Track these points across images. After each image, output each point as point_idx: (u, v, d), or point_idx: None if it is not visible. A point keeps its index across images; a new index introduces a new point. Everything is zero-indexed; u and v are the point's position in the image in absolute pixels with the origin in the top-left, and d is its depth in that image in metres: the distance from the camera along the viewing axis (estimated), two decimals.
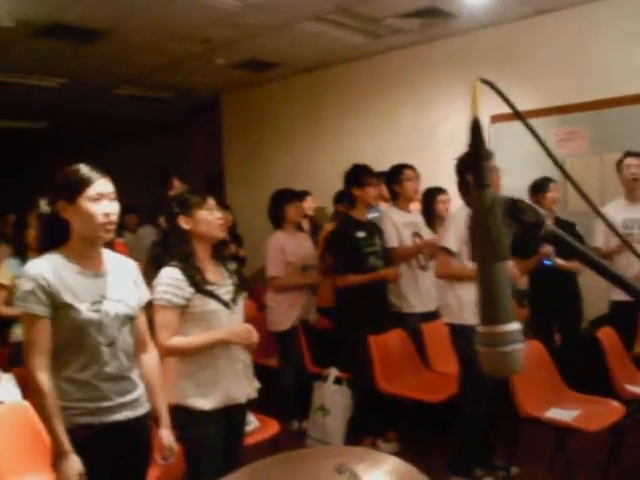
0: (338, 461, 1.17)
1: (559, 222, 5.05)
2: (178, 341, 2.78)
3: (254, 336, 2.87)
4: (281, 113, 8.41)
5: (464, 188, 3.98)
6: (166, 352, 2.78)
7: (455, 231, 3.88)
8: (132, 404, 2.44)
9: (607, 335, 4.39)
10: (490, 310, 0.92)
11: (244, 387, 2.92)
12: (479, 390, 3.80)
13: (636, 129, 5.66)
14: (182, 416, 2.73)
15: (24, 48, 6.47)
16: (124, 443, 2.40)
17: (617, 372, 4.19)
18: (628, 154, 4.98)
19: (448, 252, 3.91)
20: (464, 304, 3.91)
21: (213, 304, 2.80)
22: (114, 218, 2.36)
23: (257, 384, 3.05)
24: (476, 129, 0.91)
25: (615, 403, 3.87)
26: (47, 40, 6.23)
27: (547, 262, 5.01)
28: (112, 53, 6.78)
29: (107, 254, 2.49)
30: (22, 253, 4.62)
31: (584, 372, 4.20)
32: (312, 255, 5.28)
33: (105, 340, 2.34)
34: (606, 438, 3.81)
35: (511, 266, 4.39)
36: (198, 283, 2.78)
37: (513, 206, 0.91)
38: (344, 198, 5.85)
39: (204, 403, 2.79)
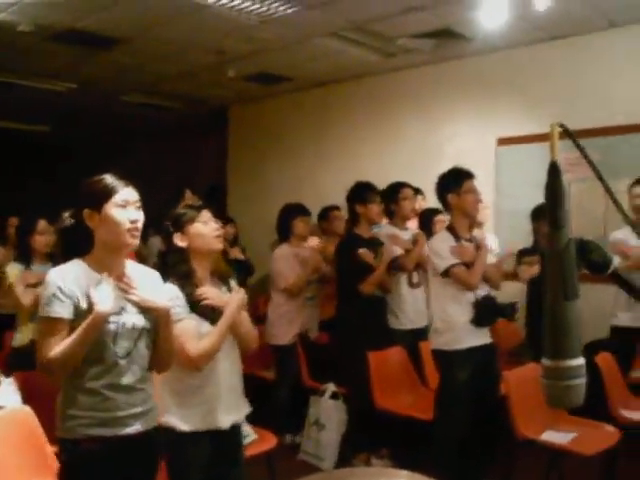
0: None
1: None
2: (202, 344, 2.68)
3: (242, 297, 2.83)
4: (288, 127, 8.43)
5: (444, 208, 4.09)
6: (199, 360, 2.68)
7: (442, 250, 3.97)
8: (144, 416, 2.42)
9: (605, 360, 4.44)
10: (559, 345, 0.97)
11: (229, 413, 2.81)
12: (452, 418, 3.89)
13: None
14: (164, 434, 2.64)
15: (40, 52, 6.50)
16: (133, 456, 2.39)
17: (613, 397, 4.25)
18: (638, 181, 5.01)
19: (455, 266, 3.94)
20: (450, 328, 3.96)
21: (206, 326, 2.73)
22: (140, 225, 2.39)
23: (246, 408, 2.96)
24: (554, 172, 0.95)
25: (610, 428, 3.93)
26: (62, 45, 6.26)
27: None
28: (125, 61, 6.81)
29: (130, 265, 2.50)
30: (26, 258, 4.56)
31: None
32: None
33: (121, 351, 2.34)
34: (600, 462, 3.85)
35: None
36: (194, 303, 2.72)
37: (584, 246, 0.96)
38: (326, 214, 5.96)
39: (184, 424, 2.71)
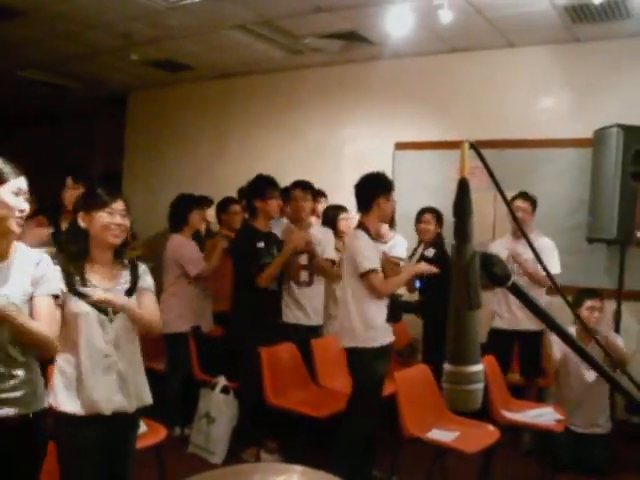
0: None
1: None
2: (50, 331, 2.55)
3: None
4: (189, 117, 8.32)
5: (364, 207, 4.14)
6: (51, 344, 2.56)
7: (368, 251, 4.02)
8: (16, 401, 2.40)
9: (488, 362, 4.64)
10: (460, 352, 1.03)
11: (116, 400, 2.76)
12: (370, 414, 3.98)
13: (530, 171, 6.06)
14: (54, 415, 2.64)
15: None
16: (6, 441, 2.38)
17: (495, 398, 4.46)
18: (519, 195, 5.31)
19: (376, 271, 4.00)
20: (369, 327, 4.03)
21: (83, 306, 2.68)
22: (24, 215, 2.43)
23: (146, 399, 2.93)
24: (463, 189, 1.01)
25: (491, 427, 4.11)
26: None
27: (418, 283, 5.24)
28: (26, 34, 6.51)
29: (19, 248, 2.49)
30: None
31: None
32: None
33: None
34: (481, 459, 4.06)
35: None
36: (71, 283, 2.67)
37: (487, 260, 1.03)
38: (226, 207, 5.95)
39: (70, 406, 2.69)
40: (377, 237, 4.21)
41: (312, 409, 4.36)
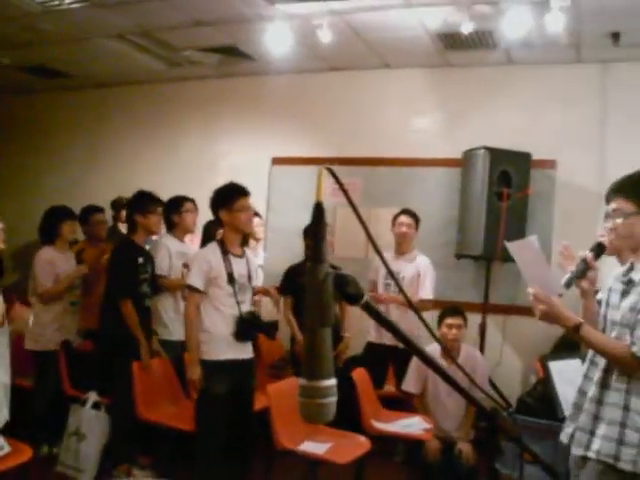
0: None
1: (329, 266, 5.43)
2: None
3: None
4: (62, 125, 8.05)
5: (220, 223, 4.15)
6: None
7: (199, 269, 4.02)
8: None
9: (360, 375, 4.79)
10: (314, 367, 1.07)
11: None
12: (214, 422, 3.98)
13: (403, 188, 6.28)
14: None
15: None
16: None
17: (366, 410, 4.59)
18: (403, 212, 5.46)
19: (194, 290, 4.00)
20: (212, 339, 4.03)
21: None
22: None
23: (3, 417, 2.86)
24: (319, 212, 1.06)
25: (362, 438, 4.21)
26: None
27: None
28: None
29: None
30: None
31: (337, 408, 4.52)
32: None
33: None
34: (353, 469, 4.14)
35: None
36: None
37: (340, 279, 1.08)
38: (86, 218, 5.78)
39: None
40: (234, 250, 4.18)
41: (184, 423, 4.32)
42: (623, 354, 2.31)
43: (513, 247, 2.57)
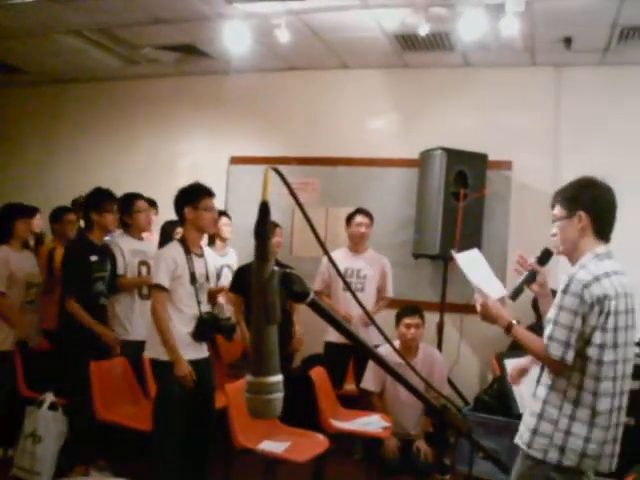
0: None
1: (279, 265, 5.44)
2: None
3: None
4: (16, 121, 7.92)
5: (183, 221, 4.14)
6: None
7: (165, 267, 3.98)
8: None
9: (318, 374, 4.82)
10: (260, 364, 1.09)
11: None
12: (172, 422, 3.96)
13: (362, 188, 6.33)
14: None
15: None
16: None
17: (324, 408, 4.62)
18: (358, 211, 5.52)
19: (161, 289, 3.97)
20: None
21: None
22: None
23: None
24: (264, 211, 1.07)
25: (321, 436, 4.24)
26: None
27: None
28: None
29: None
30: None
31: (295, 407, 4.54)
32: (37, 273, 5.13)
33: None
34: (312, 467, 4.19)
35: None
36: None
37: (286, 278, 1.10)
38: (59, 217, 5.75)
39: None
40: (195, 249, 4.17)
41: (143, 423, 4.28)
42: (543, 353, 2.48)
43: (460, 258, 2.81)
